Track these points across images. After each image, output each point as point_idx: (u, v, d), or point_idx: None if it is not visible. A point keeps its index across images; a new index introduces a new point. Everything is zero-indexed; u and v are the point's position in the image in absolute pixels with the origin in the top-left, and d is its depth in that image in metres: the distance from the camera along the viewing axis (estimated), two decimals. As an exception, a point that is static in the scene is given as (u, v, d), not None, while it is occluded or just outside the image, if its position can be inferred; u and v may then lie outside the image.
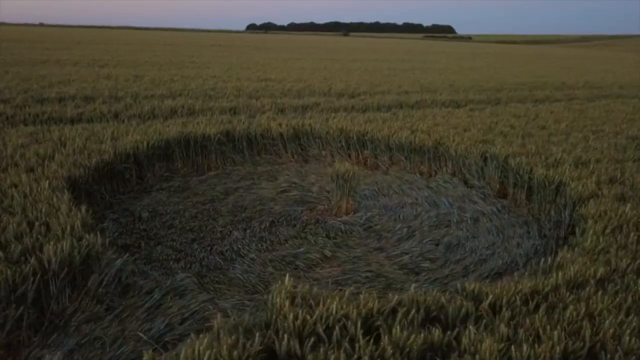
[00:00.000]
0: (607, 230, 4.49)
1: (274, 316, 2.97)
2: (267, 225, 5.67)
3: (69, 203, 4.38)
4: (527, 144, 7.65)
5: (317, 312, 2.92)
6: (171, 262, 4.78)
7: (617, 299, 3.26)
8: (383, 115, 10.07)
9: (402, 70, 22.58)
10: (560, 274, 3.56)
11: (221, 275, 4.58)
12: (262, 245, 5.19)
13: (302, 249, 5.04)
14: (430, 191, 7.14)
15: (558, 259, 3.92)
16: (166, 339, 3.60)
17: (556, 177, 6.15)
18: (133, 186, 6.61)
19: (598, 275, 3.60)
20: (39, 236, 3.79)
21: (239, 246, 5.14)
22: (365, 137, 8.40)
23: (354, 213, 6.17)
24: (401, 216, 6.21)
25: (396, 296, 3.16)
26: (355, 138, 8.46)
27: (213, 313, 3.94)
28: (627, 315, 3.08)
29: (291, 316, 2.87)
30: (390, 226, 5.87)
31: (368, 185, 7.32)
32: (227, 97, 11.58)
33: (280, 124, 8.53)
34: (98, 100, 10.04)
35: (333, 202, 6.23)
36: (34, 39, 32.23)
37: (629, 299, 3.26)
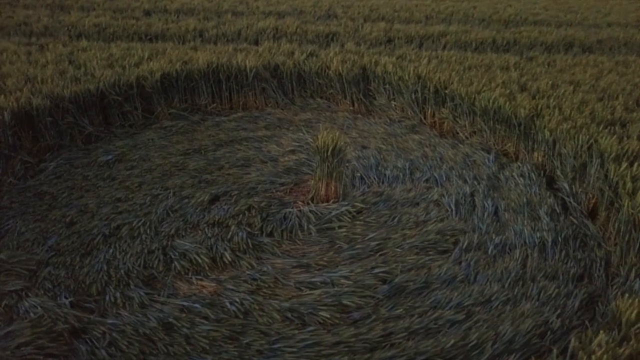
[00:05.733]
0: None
1: None
2: (207, 199, 4.59)
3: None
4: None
5: None
6: (59, 226, 4.18)
7: None
8: (514, 58, 7.38)
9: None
10: None
11: (78, 259, 3.80)
12: (168, 228, 4.17)
13: (193, 246, 3.90)
14: (486, 185, 4.96)
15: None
16: None
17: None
18: (136, 120, 6.10)
19: None
20: None
21: (144, 222, 4.23)
22: (445, 92, 6.23)
23: (335, 201, 4.61)
24: (395, 219, 4.40)
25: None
26: (432, 91, 6.36)
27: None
28: None
29: None
30: (359, 234, 4.20)
31: (408, 162, 5.44)
32: (348, 18, 10.03)
33: (344, 61, 6.87)
34: (200, 16, 9.63)
35: (312, 183, 4.75)
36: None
37: None
